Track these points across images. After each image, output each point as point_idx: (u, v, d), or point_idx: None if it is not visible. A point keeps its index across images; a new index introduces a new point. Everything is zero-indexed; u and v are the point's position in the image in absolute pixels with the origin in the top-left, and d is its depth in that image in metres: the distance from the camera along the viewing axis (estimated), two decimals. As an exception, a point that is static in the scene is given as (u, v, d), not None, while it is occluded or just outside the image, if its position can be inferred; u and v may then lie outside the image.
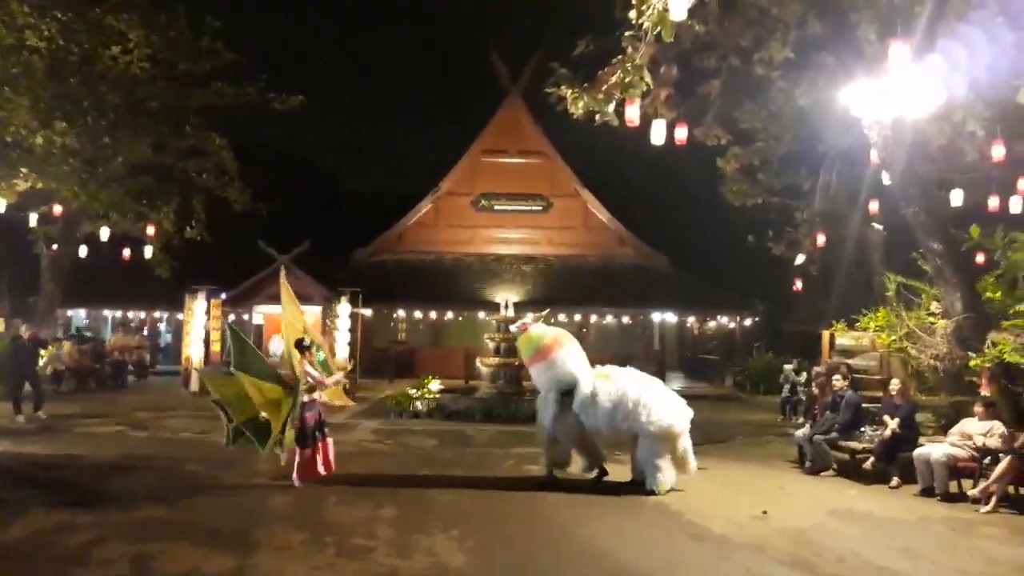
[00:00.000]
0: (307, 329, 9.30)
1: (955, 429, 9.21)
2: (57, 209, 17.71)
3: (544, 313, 10.19)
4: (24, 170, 16.33)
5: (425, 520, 7.16)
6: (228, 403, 8.65)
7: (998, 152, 11.09)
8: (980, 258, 11.97)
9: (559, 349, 9.08)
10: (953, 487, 8.82)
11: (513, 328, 9.87)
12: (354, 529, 6.83)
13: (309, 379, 8.48)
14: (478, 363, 17.23)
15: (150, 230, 19.22)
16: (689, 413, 8.99)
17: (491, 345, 16.85)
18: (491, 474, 9.54)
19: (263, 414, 8.49)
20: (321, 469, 8.64)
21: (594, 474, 9.19)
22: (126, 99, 17.81)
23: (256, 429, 8.58)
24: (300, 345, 8.62)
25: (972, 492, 8.43)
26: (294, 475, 8.43)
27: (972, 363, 9.57)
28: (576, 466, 9.23)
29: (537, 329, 9.43)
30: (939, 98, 8.61)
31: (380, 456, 10.91)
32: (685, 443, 8.95)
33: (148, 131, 18.25)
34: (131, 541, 6.27)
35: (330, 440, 8.87)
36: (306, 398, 8.50)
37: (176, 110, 18.59)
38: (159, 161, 19.30)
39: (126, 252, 20.16)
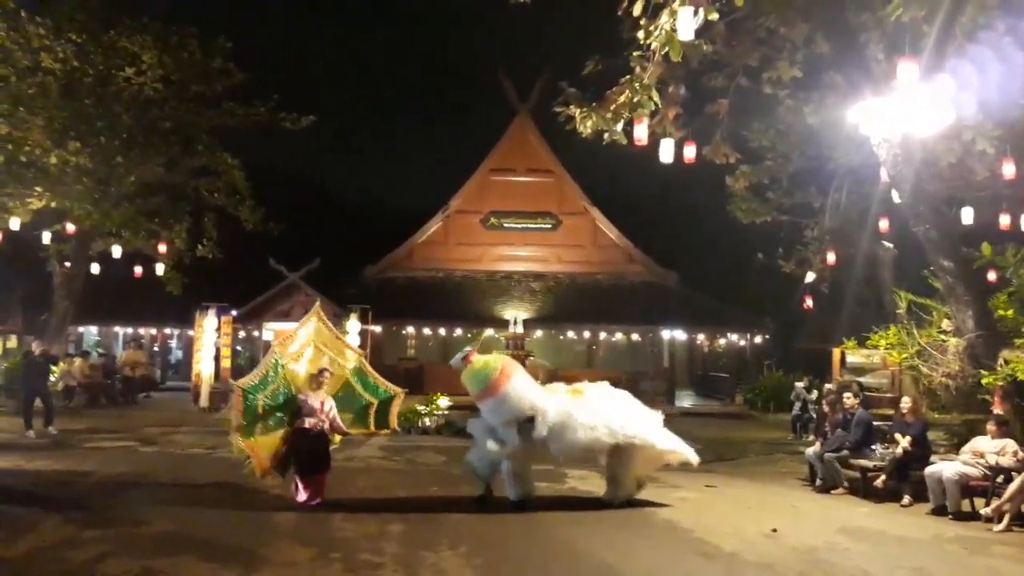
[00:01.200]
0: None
1: (967, 447, 9.14)
2: (70, 227, 17.89)
3: (483, 338, 9.52)
4: (38, 189, 16.54)
5: (433, 537, 7.13)
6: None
7: (1008, 170, 11.08)
8: (992, 276, 11.92)
9: (509, 380, 8.43)
10: (965, 506, 8.74)
11: (454, 362, 8.90)
12: (361, 545, 6.80)
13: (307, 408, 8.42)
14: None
15: (162, 248, 19.41)
16: (659, 420, 9.03)
17: (500, 362, 16.83)
18: (499, 491, 9.48)
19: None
20: (303, 496, 8.34)
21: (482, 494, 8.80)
22: (139, 119, 18.07)
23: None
24: (313, 378, 8.60)
25: (985, 511, 8.35)
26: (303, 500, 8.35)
27: (984, 381, 9.50)
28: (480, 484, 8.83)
29: (481, 359, 8.71)
30: (948, 117, 8.63)
31: (388, 473, 10.90)
32: (670, 445, 8.96)
33: (160, 151, 18.46)
34: (138, 556, 6.26)
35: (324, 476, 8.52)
36: (307, 424, 8.34)
37: (188, 130, 18.80)
38: (171, 180, 19.50)
39: (138, 269, 20.36)
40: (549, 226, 27.97)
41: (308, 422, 8.34)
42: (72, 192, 16.76)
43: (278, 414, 8.54)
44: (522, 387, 8.49)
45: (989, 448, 8.76)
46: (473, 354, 8.74)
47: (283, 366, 8.70)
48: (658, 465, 9.29)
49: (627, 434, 8.56)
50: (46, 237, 18.05)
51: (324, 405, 8.49)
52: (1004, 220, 12.93)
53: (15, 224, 16.30)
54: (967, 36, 9.56)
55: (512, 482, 8.58)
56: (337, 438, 8.89)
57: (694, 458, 9.10)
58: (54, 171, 16.37)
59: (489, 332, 9.48)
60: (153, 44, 17.23)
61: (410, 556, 6.51)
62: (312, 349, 9.07)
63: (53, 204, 16.98)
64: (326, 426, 8.49)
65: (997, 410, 9.53)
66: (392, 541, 7.00)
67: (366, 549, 6.68)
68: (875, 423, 10.67)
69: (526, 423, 8.38)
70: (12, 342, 23.99)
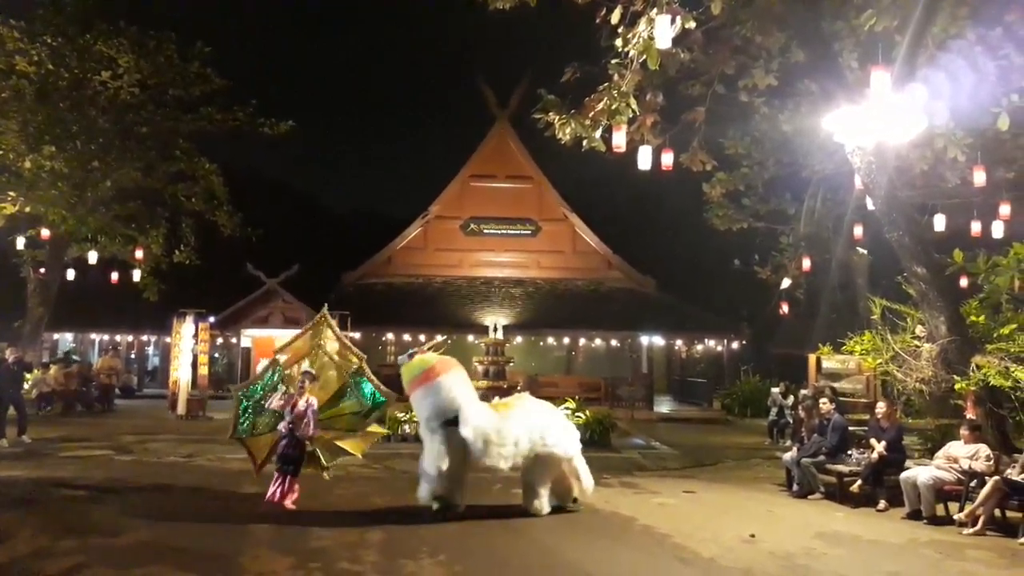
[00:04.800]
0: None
1: (941, 452, 9.26)
2: (45, 232, 17.71)
3: (439, 341, 9.84)
4: (12, 194, 16.36)
5: (412, 545, 7.12)
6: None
7: (979, 178, 11.27)
8: (964, 282, 12.10)
9: (443, 374, 8.52)
10: (940, 510, 8.84)
11: (401, 358, 9.13)
12: (340, 553, 6.78)
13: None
14: (467, 386, 17.12)
15: (139, 254, 19.24)
16: (577, 435, 9.06)
17: (480, 368, 16.82)
18: (479, 498, 9.47)
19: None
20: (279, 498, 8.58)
21: (437, 506, 8.38)
22: (115, 124, 17.92)
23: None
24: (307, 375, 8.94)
25: (959, 515, 8.45)
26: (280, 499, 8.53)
27: (957, 386, 9.64)
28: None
29: (423, 355, 8.92)
30: (920, 125, 8.76)
31: (367, 480, 10.85)
32: (579, 463, 8.91)
33: (137, 156, 18.32)
34: (115, 566, 6.21)
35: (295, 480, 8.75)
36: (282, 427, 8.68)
37: (165, 135, 18.68)
38: (148, 185, 19.36)
39: (114, 275, 20.16)
40: (529, 232, 28.02)
41: (287, 425, 8.62)
42: (47, 197, 16.58)
43: (269, 418, 8.95)
44: (452, 384, 8.46)
45: (962, 453, 8.88)
46: (422, 352, 8.94)
47: (283, 372, 9.12)
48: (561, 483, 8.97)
49: (547, 443, 8.53)
50: (20, 242, 17.87)
51: (298, 407, 8.67)
52: (975, 227, 13.15)
53: (-11, 229, 16.14)
54: (938, 46, 9.74)
55: (429, 481, 8.34)
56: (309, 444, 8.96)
57: (589, 486, 8.96)
58: (29, 175, 16.22)
59: (440, 341, 9.92)
60: (130, 48, 17.10)
61: (389, 564, 6.49)
62: (315, 354, 9.44)
63: (28, 209, 16.80)
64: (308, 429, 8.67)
65: (970, 415, 9.67)
66: (371, 549, 6.98)
67: (345, 558, 6.66)
68: (851, 428, 10.78)
69: (451, 422, 8.28)
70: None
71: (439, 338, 10.25)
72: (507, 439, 8.33)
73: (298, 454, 8.67)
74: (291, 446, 8.62)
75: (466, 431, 8.17)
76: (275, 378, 9.14)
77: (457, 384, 8.55)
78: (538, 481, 8.64)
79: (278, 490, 8.55)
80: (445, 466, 8.23)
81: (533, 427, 8.55)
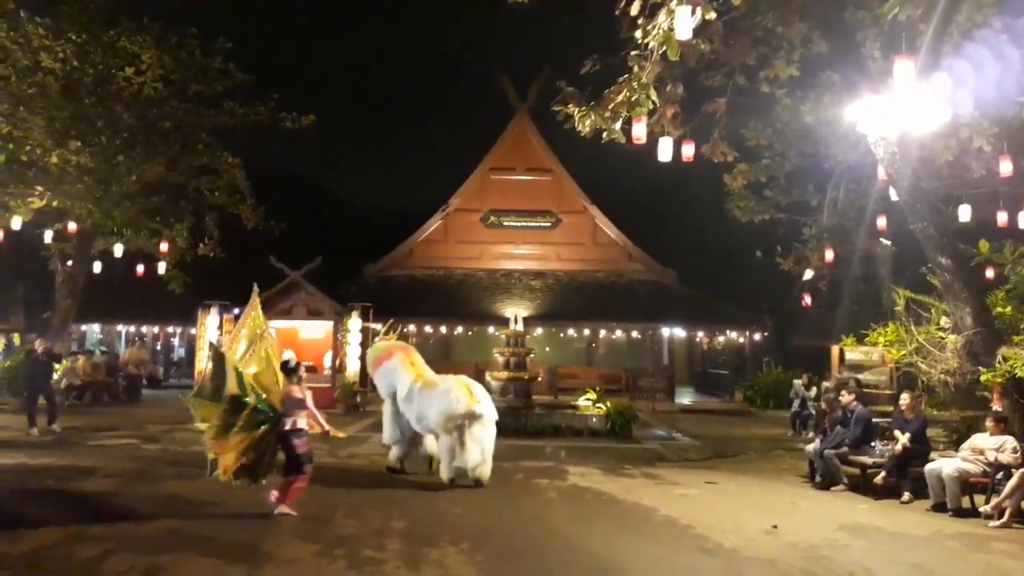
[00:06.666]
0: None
1: (966, 444, 9.19)
2: (72, 226, 17.96)
3: (389, 325, 11.98)
4: (40, 188, 16.60)
5: (435, 533, 7.20)
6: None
7: (1005, 168, 11.13)
8: (990, 273, 11.97)
9: (390, 358, 10.47)
10: (965, 502, 8.79)
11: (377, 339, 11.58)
12: (364, 541, 6.87)
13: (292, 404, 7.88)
14: (488, 377, 17.21)
15: (163, 247, 19.49)
16: (483, 411, 9.63)
17: (500, 359, 16.91)
18: (500, 487, 9.57)
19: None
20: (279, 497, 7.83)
21: (397, 465, 10.47)
22: (140, 119, 18.11)
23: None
24: (285, 368, 8.04)
25: (984, 508, 8.40)
26: (274, 499, 7.84)
27: (983, 378, 9.54)
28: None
29: (378, 343, 11.17)
30: (945, 115, 8.65)
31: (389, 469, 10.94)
32: (478, 433, 9.52)
33: (161, 150, 18.52)
34: (142, 553, 6.33)
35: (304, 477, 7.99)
36: (289, 425, 7.80)
37: (189, 130, 18.86)
38: (172, 179, 19.57)
39: (140, 268, 20.45)
40: (548, 224, 28.03)
41: (299, 421, 7.85)
42: (73, 191, 16.81)
43: (252, 414, 7.98)
44: (396, 366, 10.36)
45: (988, 445, 8.81)
46: (380, 338, 11.37)
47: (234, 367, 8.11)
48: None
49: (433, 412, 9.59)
50: (48, 236, 18.13)
51: (308, 399, 7.99)
52: (1001, 217, 12.99)
53: (17, 223, 16.38)
54: (963, 34, 9.60)
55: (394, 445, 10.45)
56: (317, 429, 8.19)
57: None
58: (55, 170, 16.43)
59: (389, 324, 11.76)
60: (153, 44, 17.27)
61: (413, 552, 6.57)
62: (247, 341, 8.65)
63: (55, 203, 17.05)
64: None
65: (996, 407, 9.58)
66: (395, 537, 7.06)
67: (369, 545, 6.75)
68: (874, 420, 10.71)
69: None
70: (15, 340, 24.08)
71: (388, 333, 11.88)
72: (413, 403, 9.87)
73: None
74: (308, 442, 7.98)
75: (399, 400, 10.08)
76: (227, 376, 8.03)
77: (400, 366, 10.32)
78: (445, 446, 9.60)
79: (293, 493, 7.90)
80: (391, 430, 10.34)
81: (433, 394, 9.75)
